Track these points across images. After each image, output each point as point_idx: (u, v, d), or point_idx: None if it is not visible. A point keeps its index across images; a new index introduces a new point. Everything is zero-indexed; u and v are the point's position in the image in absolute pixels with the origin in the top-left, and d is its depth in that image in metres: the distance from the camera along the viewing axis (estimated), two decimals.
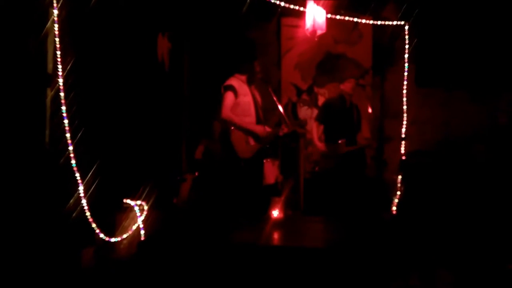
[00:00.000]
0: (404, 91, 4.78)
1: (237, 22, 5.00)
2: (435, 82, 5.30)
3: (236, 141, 3.75)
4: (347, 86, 4.40)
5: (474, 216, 3.69)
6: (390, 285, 2.84)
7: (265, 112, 4.80)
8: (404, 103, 4.77)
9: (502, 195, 3.98)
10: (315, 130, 4.33)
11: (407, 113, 4.73)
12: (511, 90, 5.11)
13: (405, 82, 4.79)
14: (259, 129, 3.82)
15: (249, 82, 3.95)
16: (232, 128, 3.74)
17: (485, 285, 2.81)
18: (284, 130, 3.98)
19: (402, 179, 4.46)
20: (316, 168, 4.26)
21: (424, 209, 3.86)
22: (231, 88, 3.78)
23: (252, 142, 3.79)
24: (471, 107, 5.22)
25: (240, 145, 3.75)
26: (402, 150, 4.65)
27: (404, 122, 4.71)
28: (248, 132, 3.77)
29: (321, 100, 5.32)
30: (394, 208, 4.36)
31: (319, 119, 4.38)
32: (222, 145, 3.83)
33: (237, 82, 3.85)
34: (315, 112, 4.99)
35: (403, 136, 4.66)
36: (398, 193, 4.43)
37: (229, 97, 3.76)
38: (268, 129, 4.01)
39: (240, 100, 3.79)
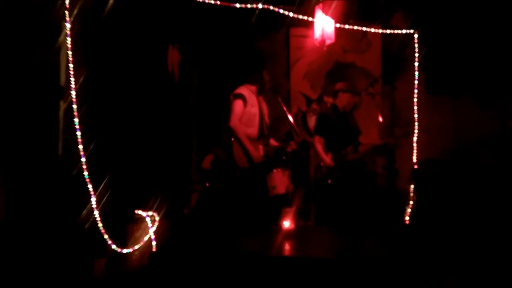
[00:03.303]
0: (415, 100, 4.75)
1: (246, 33, 5.04)
2: (445, 89, 5.26)
3: (237, 150, 3.75)
4: (341, 100, 4.36)
5: (486, 225, 3.63)
6: None
7: (275, 122, 4.82)
8: (415, 111, 4.73)
9: None
10: (317, 144, 4.24)
11: (418, 121, 4.70)
12: None
13: (415, 91, 4.76)
14: (255, 154, 3.76)
15: (259, 93, 3.96)
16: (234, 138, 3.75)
17: None
18: (293, 146, 3.97)
19: (414, 188, 4.41)
20: (329, 181, 4.19)
21: (436, 219, 3.82)
22: (241, 96, 3.79)
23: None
24: (481, 114, 5.16)
25: (240, 155, 3.75)
26: (414, 159, 4.61)
27: (416, 131, 4.68)
28: (242, 147, 3.74)
29: None
30: (407, 218, 4.31)
31: (318, 132, 4.31)
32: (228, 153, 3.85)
33: (247, 91, 3.86)
34: None
35: (414, 145, 4.62)
36: (411, 202, 4.38)
37: (238, 105, 3.77)
38: (274, 142, 4.01)
39: (247, 110, 3.80)
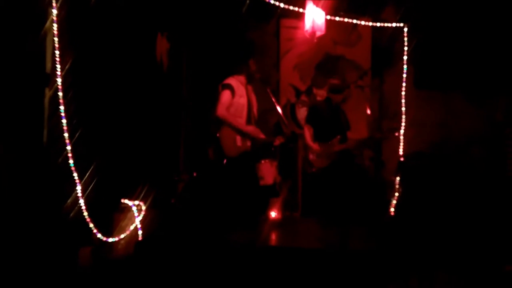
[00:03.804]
0: (403, 93, 4.79)
1: (236, 23, 5.00)
2: (433, 84, 5.30)
3: (224, 139, 3.75)
4: (337, 97, 4.42)
5: (472, 218, 3.69)
6: (388, 286, 2.84)
7: (264, 113, 4.81)
8: (403, 104, 4.77)
9: (499, 196, 3.98)
10: (307, 133, 4.34)
11: (405, 114, 4.74)
12: (508, 92, 5.12)
13: (403, 84, 4.79)
14: (250, 129, 3.81)
15: (248, 82, 3.95)
16: (222, 126, 3.75)
17: (482, 287, 2.82)
18: (279, 140, 4.00)
19: (400, 180, 4.46)
20: (314, 169, 4.26)
21: (422, 211, 3.86)
22: (229, 87, 3.78)
23: (239, 143, 3.79)
24: (469, 109, 5.22)
25: (228, 143, 3.75)
26: (401, 152, 4.65)
27: (403, 124, 4.72)
28: (239, 132, 3.76)
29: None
30: (392, 209, 4.36)
31: (309, 121, 4.40)
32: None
33: (236, 82, 3.85)
34: None
35: (401, 137, 4.66)
36: (396, 194, 4.43)
37: (226, 95, 3.76)
38: (261, 135, 4.01)
39: (235, 101, 3.80)
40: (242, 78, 3.92)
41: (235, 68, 3.94)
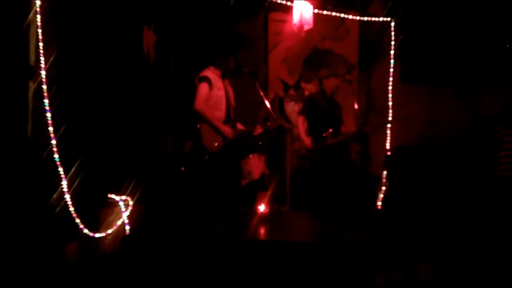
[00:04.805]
0: (390, 87, 4.82)
1: (224, 16, 4.97)
2: (420, 78, 5.35)
3: (205, 133, 3.73)
4: (327, 86, 4.38)
5: (458, 211, 3.75)
6: (375, 278, 2.87)
7: (252, 107, 4.80)
8: (390, 99, 4.81)
9: (485, 190, 4.04)
10: (301, 125, 4.31)
11: (392, 109, 4.77)
12: (493, 87, 5.19)
13: (390, 78, 4.83)
14: (226, 130, 3.76)
15: (223, 77, 3.92)
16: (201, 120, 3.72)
17: (466, 278, 2.86)
18: (259, 130, 3.96)
19: (387, 174, 4.50)
20: (306, 164, 4.24)
21: (409, 204, 3.91)
22: (207, 79, 3.75)
23: (219, 137, 3.76)
24: (455, 103, 5.29)
25: (208, 138, 3.73)
26: (388, 146, 4.70)
27: (389, 118, 4.75)
28: (215, 129, 3.73)
29: None
30: (379, 203, 4.41)
31: (303, 113, 4.37)
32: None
33: (212, 75, 3.82)
34: None
35: (388, 132, 4.70)
36: (384, 188, 4.47)
37: (203, 88, 3.72)
38: (240, 126, 3.99)
39: (213, 94, 3.77)
40: (218, 71, 3.89)
41: (213, 61, 3.90)
